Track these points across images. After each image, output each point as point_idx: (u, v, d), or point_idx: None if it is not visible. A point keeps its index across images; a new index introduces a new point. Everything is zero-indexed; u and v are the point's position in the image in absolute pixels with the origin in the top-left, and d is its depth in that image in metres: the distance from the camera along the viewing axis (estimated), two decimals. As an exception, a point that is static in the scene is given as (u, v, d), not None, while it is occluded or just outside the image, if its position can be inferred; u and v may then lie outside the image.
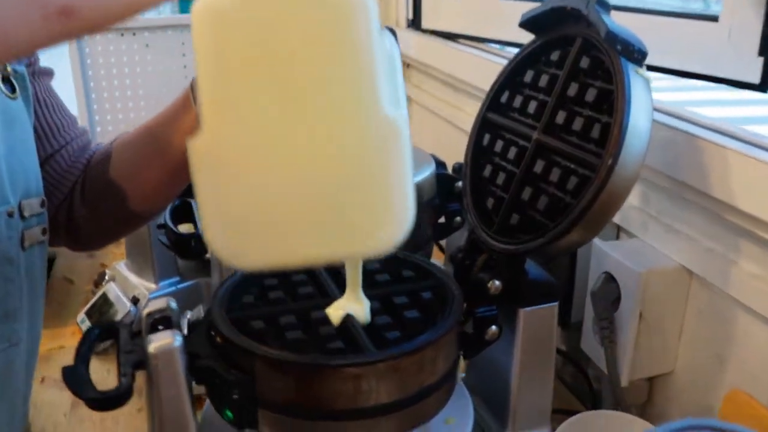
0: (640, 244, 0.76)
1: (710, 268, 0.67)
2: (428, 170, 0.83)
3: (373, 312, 0.56)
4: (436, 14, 1.31)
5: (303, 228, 0.45)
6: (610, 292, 0.73)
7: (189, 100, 0.68)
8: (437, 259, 1.02)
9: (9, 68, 0.68)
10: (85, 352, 0.55)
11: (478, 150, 0.71)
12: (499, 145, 0.68)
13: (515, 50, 0.70)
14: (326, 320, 0.55)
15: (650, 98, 0.56)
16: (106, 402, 0.51)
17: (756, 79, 0.68)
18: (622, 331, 0.72)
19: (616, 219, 0.80)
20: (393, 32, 0.55)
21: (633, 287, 0.70)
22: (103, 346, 0.76)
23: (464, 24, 1.22)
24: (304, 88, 0.42)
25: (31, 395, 0.73)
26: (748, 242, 0.63)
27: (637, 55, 0.56)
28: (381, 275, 0.63)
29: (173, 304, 0.58)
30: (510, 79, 0.69)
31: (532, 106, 0.65)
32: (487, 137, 0.70)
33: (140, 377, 0.53)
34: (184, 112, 0.69)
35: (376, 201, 0.44)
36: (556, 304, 0.64)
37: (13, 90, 0.68)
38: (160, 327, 0.56)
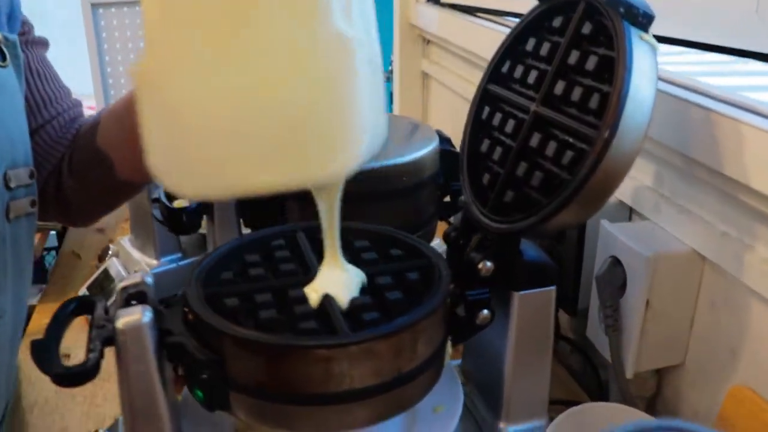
0: (651, 226, 0.71)
1: (724, 254, 0.62)
2: (430, 145, 0.79)
3: (353, 292, 0.53)
4: (455, -13, 1.26)
5: (248, 152, 0.42)
6: (616, 277, 0.68)
7: None
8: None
9: (0, 36, 0.67)
10: (56, 326, 0.54)
11: (477, 124, 0.66)
12: (497, 118, 0.64)
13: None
14: (304, 299, 0.53)
15: (655, 66, 0.51)
16: (71, 377, 0.49)
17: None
18: (627, 319, 0.68)
19: (628, 200, 0.75)
20: None
21: (640, 272, 0.65)
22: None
23: (483, -4, 1.17)
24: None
25: (16, 368, 0.73)
26: (765, 226, 0.58)
27: (642, 18, 0.51)
28: (368, 253, 0.59)
29: (149, 280, 0.56)
30: (512, 48, 0.65)
31: (532, 77, 0.60)
32: (486, 110, 0.66)
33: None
34: None
35: (324, 124, 0.42)
36: (553, 288, 0.60)
37: (4, 58, 0.67)
38: (134, 302, 0.54)
